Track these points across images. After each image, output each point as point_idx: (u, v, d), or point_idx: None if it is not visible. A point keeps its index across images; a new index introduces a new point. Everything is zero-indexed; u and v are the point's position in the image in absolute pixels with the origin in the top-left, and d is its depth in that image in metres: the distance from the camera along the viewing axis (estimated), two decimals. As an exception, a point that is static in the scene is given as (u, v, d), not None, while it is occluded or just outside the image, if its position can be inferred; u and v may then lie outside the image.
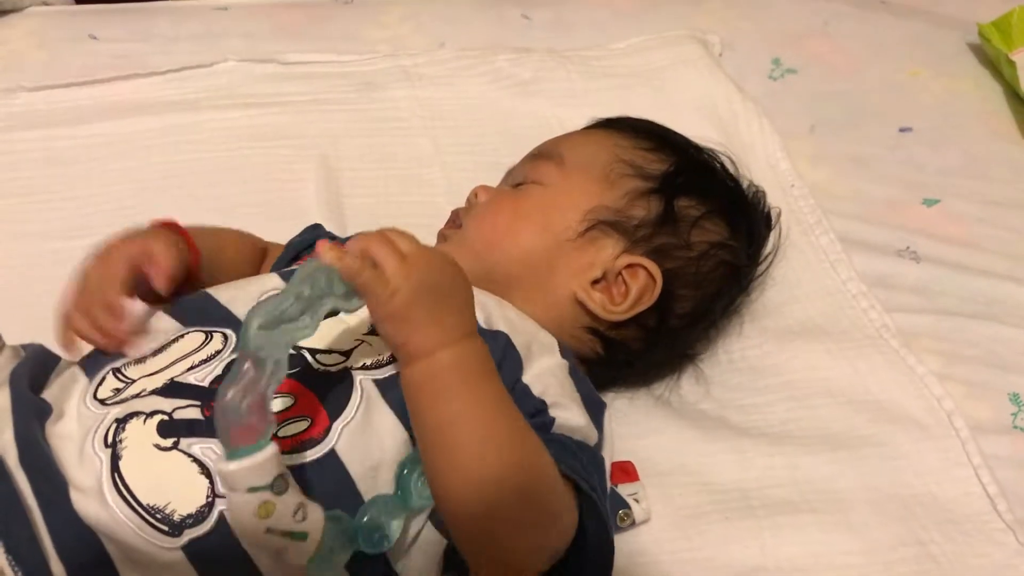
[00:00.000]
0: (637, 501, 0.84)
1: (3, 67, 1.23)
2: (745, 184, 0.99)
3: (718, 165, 0.98)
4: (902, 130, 1.30)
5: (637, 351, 0.90)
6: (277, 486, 0.62)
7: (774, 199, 0.97)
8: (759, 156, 1.22)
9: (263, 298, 0.72)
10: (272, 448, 0.62)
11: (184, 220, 1.05)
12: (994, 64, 1.39)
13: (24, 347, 0.81)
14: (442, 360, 0.66)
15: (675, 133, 0.98)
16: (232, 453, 0.61)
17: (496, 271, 0.86)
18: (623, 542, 0.83)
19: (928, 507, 0.88)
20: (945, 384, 0.97)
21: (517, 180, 0.93)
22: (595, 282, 0.87)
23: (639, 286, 0.86)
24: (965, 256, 1.13)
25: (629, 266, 0.87)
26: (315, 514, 0.64)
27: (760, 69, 1.37)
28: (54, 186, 1.09)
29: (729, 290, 0.95)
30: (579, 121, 1.23)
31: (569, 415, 0.75)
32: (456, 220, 0.93)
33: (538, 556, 0.69)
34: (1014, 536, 0.86)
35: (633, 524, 0.84)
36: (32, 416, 0.71)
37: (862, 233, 1.15)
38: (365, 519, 0.67)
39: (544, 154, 0.94)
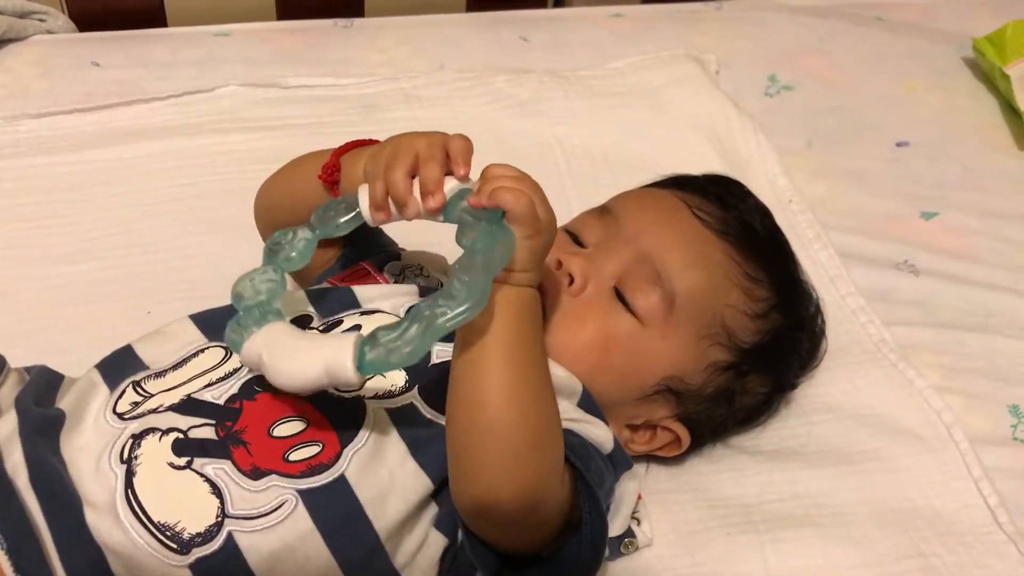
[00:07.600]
0: (638, 521, 0.84)
1: (7, 95, 1.24)
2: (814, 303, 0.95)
3: (812, 300, 0.94)
4: (899, 144, 1.31)
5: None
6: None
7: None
8: (757, 172, 1.22)
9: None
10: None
11: (186, 243, 1.08)
12: (989, 78, 1.40)
13: (28, 369, 0.82)
14: (527, 295, 0.71)
15: (784, 249, 0.94)
16: (368, 367, 0.65)
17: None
18: (626, 559, 0.83)
19: (930, 519, 0.88)
20: (945, 397, 0.98)
21: (624, 263, 0.84)
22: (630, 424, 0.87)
23: (666, 442, 0.87)
24: (964, 269, 1.13)
25: (665, 426, 0.86)
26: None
27: (756, 86, 1.38)
28: (58, 211, 1.10)
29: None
30: (577, 141, 1.25)
31: (590, 428, 0.77)
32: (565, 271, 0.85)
33: (522, 499, 0.67)
34: (1015, 547, 0.86)
35: (637, 550, 0.84)
36: (41, 436, 0.72)
37: (861, 247, 1.15)
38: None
39: (661, 269, 0.83)
